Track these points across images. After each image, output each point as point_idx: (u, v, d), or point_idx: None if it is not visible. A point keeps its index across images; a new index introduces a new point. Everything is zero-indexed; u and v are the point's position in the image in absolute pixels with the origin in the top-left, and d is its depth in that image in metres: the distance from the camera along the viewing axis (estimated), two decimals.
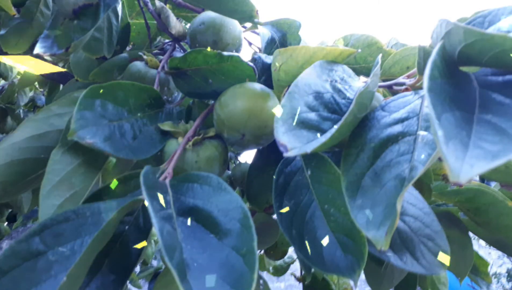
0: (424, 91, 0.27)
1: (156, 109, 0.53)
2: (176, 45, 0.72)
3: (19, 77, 1.34)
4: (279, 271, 1.30)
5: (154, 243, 1.79)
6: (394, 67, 0.65)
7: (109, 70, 0.71)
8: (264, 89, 0.51)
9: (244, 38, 0.74)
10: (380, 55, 0.46)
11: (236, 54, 0.50)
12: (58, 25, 0.57)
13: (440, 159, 0.55)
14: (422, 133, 0.36)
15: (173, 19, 0.68)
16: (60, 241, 0.34)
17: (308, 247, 0.41)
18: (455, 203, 0.64)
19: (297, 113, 0.37)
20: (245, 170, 0.76)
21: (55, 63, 1.03)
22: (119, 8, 0.69)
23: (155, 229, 0.31)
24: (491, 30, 0.37)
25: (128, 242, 0.43)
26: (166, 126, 0.51)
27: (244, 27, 0.76)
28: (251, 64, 0.50)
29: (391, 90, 0.53)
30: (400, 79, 0.52)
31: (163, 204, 0.36)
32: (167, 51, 0.69)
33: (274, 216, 0.63)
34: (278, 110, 0.36)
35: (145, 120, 0.50)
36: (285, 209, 0.44)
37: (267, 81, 0.55)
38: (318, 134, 0.36)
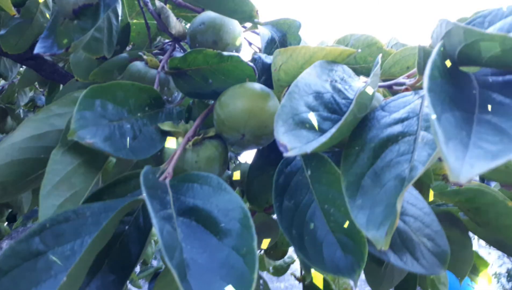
0: (424, 91, 0.27)
1: (156, 109, 0.53)
2: (176, 45, 0.72)
3: (19, 77, 1.33)
4: (279, 271, 1.30)
5: (154, 243, 1.79)
6: (394, 67, 0.65)
7: (109, 70, 0.71)
8: (264, 89, 0.51)
9: (244, 38, 0.74)
10: (380, 55, 0.46)
11: (236, 54, 0.50)
12: (58, 25, 0.57)
13: (440, 159, 0.55)
14: (422, 133, 0.36)
15: (173, 19, 0.68)
16: (60, 241, 0.34)
17: (308, 247, 0.41)
18: (455, 203, 0.64)
19: (297, 113, 0.37)
20: (245, 170, 0.76)
21: (55, 63, 1.03)
22: (119, 8, 0.69)
23: (155, 229, 0.31)
24: (491, 30, 0.37)
25: (128, 242, 0.43)
26: (166, 126, 0.51)
27: (244, 27, 0.76)
28: (251, 64, 0.50)
29: (391, 90, 0.53)
30: (400, 79, 0.52)
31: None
32: (167, 51, 0.69)
33: (274, 216, 0.63)
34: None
35: (145, 120, 0.50)
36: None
37: (267, 81, 0.55)
38: (318, 134, 0.36)
